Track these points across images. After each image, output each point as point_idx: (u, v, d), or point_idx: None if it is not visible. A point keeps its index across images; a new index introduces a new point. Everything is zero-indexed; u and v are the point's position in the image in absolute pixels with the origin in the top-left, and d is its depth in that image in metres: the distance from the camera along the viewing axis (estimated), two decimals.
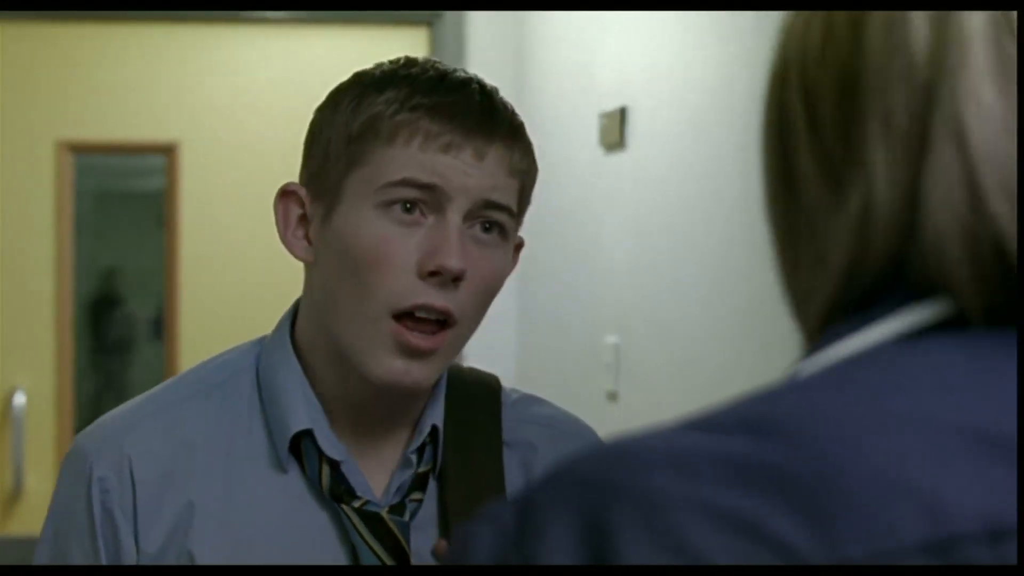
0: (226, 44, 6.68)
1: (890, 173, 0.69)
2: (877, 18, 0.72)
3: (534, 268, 4.27)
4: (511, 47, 4.45)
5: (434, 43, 4.55)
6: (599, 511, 0.64)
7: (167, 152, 6.80)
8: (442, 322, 1.47)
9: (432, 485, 1.54)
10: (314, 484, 1.51)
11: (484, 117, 1.48)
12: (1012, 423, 0.65)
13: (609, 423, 3.43)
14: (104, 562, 1.51)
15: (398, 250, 1.45)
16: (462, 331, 1.48)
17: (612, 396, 3.65)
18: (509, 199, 1.49)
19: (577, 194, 3.94)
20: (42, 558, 1.56)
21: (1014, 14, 0.70)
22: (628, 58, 3.64)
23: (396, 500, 1.51)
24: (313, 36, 6.20)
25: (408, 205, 1.46)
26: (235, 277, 6.66)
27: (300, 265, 1.55)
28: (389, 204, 1.46)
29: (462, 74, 1.51)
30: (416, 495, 1.52)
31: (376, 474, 1.53)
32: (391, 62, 1.53)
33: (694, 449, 0.65)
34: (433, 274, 1.45)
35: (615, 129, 3.65)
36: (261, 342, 1.58)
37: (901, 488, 0.63)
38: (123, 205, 8.00)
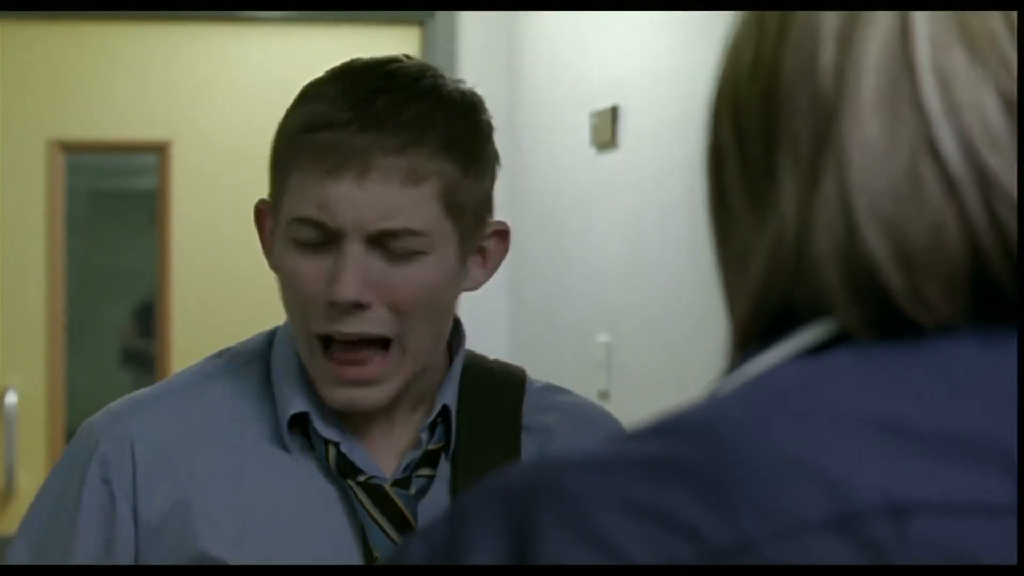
0: (217, 43, 6.68)
1: (797, 200, 0.73)
2: (793, 42, 0.74)
3: (526, 267, 4.27)
4: (502, 47, 4.45)
5: (426, 43, 4.55)
6: (522, 514, 0.69)
7: (159, 151, 6.80)
8: (384, 343, 1.48)
9: (445, 466, 1.56)
10: (323, 462, 1.54)
11: (374, 130, 1.45)
12: (918, 415, 0.68)
13: None
14: (92, 534, 1.53)
15: (307, 282, 1.48)
16: (409, 348, 1.49)
17: (604, 395, 3.65)
18: (410, 220, 1.46)
19: (569, 193, 3.94)
20: (30, 528, 1.57)
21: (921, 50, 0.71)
22: (619, 57, 3.64)
23: (403, 476, 1.54)
24: (304, 35, 6.20)
25: (310, 237, 1.48)
26: (228, 275, 6.65)
27: None
28: (295, 238, 1.49)
29: (405, 78, 1.48)
30: (424, 471, 1.54)
31: (387, 454, 1.56)
32: (333, 70, 1.52)
33: (611, 454, 0.70)
34: (333, 304, 1.47)
35: (607, 128, 3.65)
36: (275, 331, 1.62)
37: (800, 469, 0.66)
38: (115, 204, 8.00)
